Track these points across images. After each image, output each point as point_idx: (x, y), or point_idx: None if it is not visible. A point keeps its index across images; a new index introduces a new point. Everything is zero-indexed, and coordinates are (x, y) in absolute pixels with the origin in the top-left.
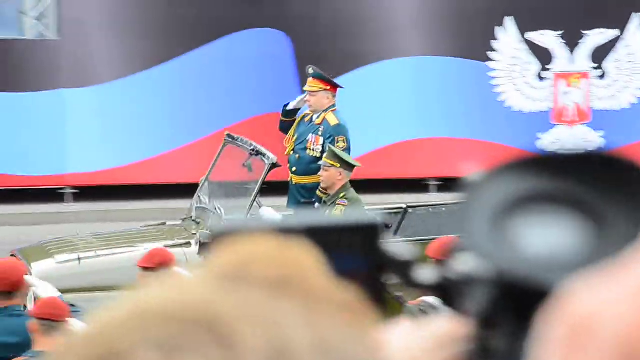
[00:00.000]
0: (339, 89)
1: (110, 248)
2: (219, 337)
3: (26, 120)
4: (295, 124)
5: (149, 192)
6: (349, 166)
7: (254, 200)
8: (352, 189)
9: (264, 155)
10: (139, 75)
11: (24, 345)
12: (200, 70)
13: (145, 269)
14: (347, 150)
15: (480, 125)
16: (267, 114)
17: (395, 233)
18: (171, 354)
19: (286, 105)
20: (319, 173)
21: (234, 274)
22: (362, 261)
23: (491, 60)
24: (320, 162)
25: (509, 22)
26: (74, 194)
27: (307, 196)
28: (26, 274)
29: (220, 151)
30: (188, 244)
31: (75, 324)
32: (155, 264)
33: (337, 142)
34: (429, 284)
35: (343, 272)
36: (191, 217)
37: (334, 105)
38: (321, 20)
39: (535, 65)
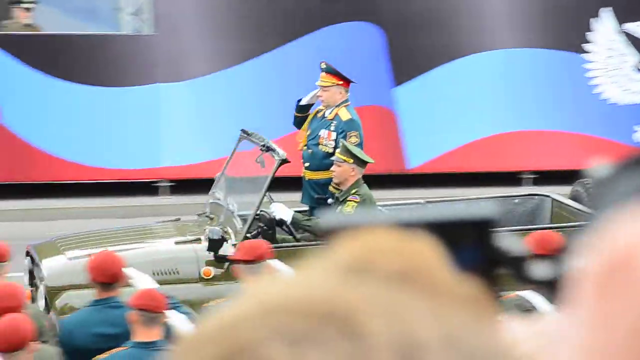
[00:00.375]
0: (352, 83)
1: (121, 244)
2: (346, 330)
3: (122, 115)
4: (308, 120)
5: None
6: (361, 162)
7: (264, 196)
8: (364, 185)
9: (274, 151)
10: (233, 69)
11: (123, 335)
12: (293, 63)
13: (246, 262)
14: (360, 145)
15: (575, 118)
16: (360, 107)
17: None
18: (299, 348)
19: (299, 101)
20: (332, 168)
21: (358, 267)
22: (475, 255)
23: (586, 52)
24: (332, 158)
25: (606, 13)
26: (170, 186)
27: (320, 192)
28: (125, 266)
29: (236, 146)
30: (198, 240)
31: (172, 316)
32: (255, 257)
33: (350, 137)
34: (543, 279)
35: (458, 266)
36: (205, 213)
37: (347, 100)
38: (414, 12)
39: (632, 56)
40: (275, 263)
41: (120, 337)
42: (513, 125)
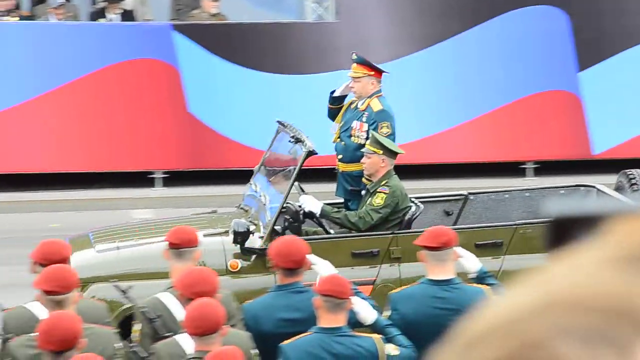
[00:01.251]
0: (384, 74)
1: (150, 237)
2: None
3: (306, 102)
4: (342, 111)
5: (425, 171)
6: (391, 153)
7: (290, 188)
8: (395, 176)
9: (302, 142)
10: (415, 55)
11: (309, 320)
12: (476, 48)
13: (430, 248)
14: (391, 136)
15: None
16: (544, 92)
17: (456, 220)
18: (593, 347)
19: (332, 92)
20: (362, 160)
21: (638, 257)
22: None
23: None
24: (363, 150)
25: None
26: None
27: (354, 184)
28: (309, 253)
29: (274, 138)
30: (227, 232)
31: (357, 302)
32: (441, 244)
33: (381, 128)
34: None
35: None
36: (241, 205)
37: (379, 91)
38: None
39: None
40: (460, 250)
41: (306, 322)
42: None
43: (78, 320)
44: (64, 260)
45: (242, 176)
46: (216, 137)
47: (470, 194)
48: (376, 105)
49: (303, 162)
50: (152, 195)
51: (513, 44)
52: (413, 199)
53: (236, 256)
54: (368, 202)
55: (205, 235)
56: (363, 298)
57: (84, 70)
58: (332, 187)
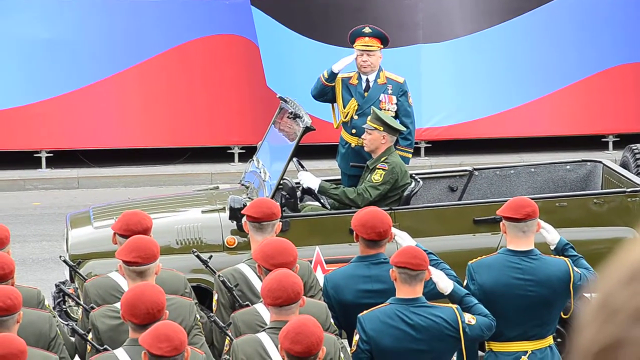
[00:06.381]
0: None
1: (151, 213)
2: None
3: None
4: (339, 91)
5: (501, 146)
6: (392, 130)
7: (287, 164)
8: (395, 153)
9: (300, 118)
10: (493, 29)
11: (390, 292)
12: (550, 23)
13: (513, 219)
14: (411, 107)
15: None
16: (621, 65)
17: (461, 196)
18: None
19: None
20: (362, 136)
21: None
22: None
23: None
24: (364, 126)
25: None
26: (425, 148)
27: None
28: (393, 225)
29: (277, 114)
30: (224, 209)
31: (435, 274)
32: (524, 215)
33: (409, 98)
34: None
35: None
36: (241, 181)
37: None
38: None
39: None
40: (541, 222)
41: (387, 293)
42: None
43: (161, 292)
44: (146, 231)
45: (320, 151)
46: None
47: (475, 169)
48: (397, 77)
49: (300, 138)
50: (231, 170)
51: (587, 18)
52: (413, 175)
53: (233, 232)
54: (367, 178)
55: (203, 212)
56: (442, 269)
57: (163, 46)
58: (330, 164)
